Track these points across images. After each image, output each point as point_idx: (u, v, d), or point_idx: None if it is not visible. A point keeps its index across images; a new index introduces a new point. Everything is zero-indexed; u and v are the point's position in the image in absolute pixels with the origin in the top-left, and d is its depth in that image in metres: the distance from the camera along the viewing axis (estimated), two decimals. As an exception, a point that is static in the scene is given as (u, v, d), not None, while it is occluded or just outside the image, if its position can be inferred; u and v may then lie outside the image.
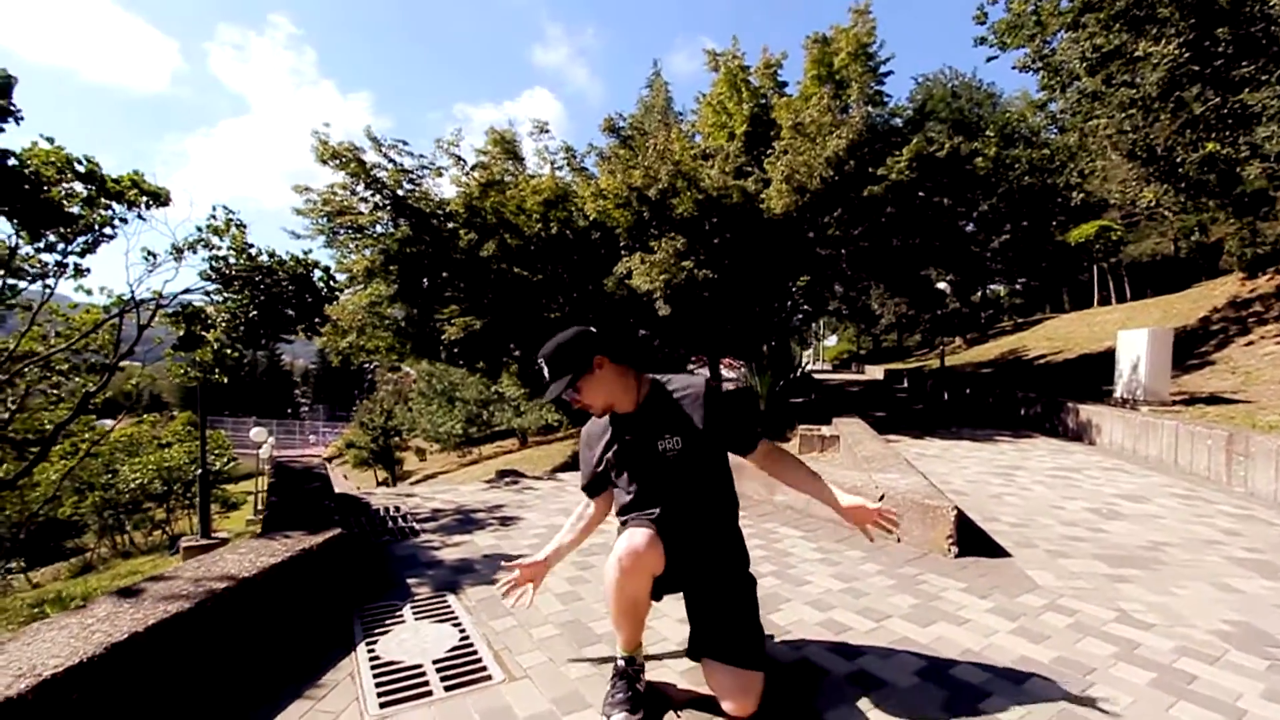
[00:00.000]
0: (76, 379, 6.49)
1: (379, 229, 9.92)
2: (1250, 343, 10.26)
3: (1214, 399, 7.74)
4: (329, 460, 37.26)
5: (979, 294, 31.31)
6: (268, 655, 2.35)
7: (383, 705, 2.06)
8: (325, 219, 9.76)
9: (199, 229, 5.04)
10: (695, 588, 2.03)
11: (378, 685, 2.19)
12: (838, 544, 3.61)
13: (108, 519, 13.20)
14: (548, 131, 10.38)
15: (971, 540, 3.48)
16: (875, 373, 26.16)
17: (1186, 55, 7.59)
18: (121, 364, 6.67)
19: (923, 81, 27.66)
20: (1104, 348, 13.30)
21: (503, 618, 2.71)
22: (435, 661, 2.36)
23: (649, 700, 1.98)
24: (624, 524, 2.07)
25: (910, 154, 10.34)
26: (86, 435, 7.63)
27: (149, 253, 4.90)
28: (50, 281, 4.91)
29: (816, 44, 11.16)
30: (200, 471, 7.03)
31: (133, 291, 4.96)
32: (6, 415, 6.21)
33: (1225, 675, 2.09)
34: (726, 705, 1.86)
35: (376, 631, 2.60)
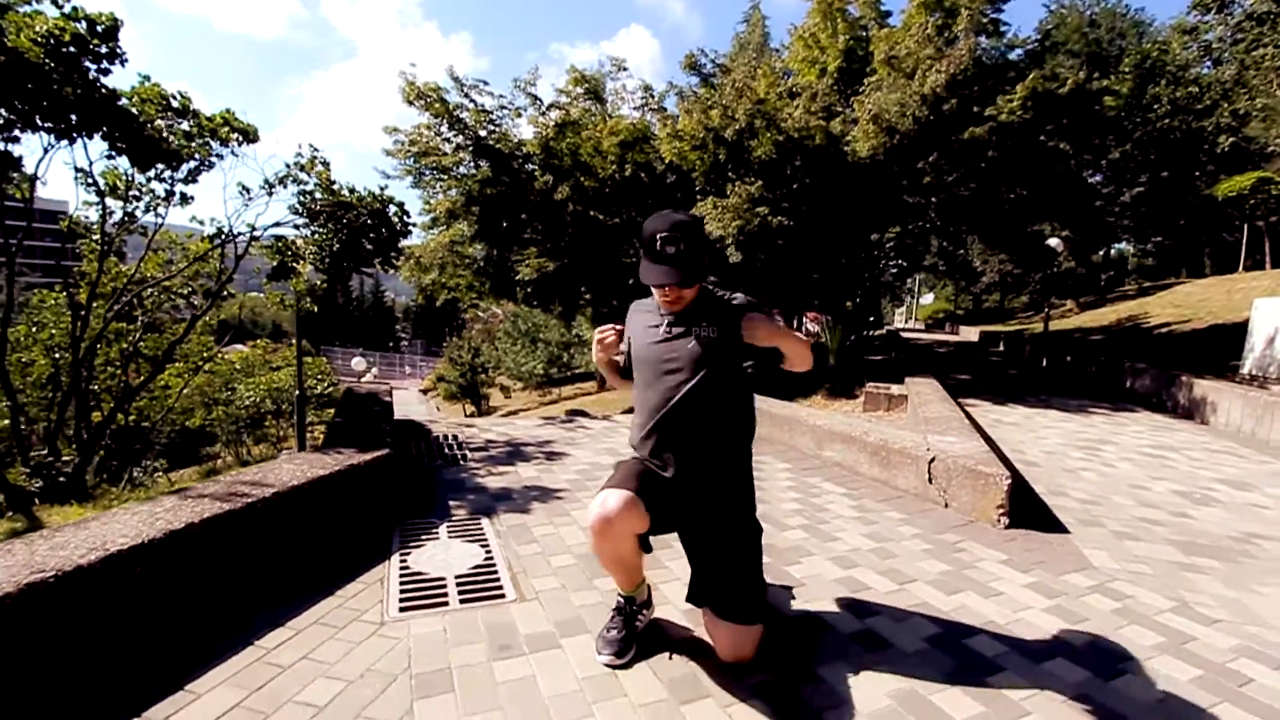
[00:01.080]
0: (195, 300, 7.20)
1: (461, 170, 10.16)
2: None
3: (1370, 382, 6.71)
4: (424, 392, 39.80)
5: (1102, 253, 28.26)
6: (311, 555, 2.58)
7: (402, 609, 2.23)
8: (412, 159, 10.10)
9: (287, 165, 5.38)
10: (698, 531, 1.95)
11: (402, 591, 2.36)
12: (880, 503, 3.48)
13: (231, 431, 14.92)
14: (626, 70, 10.12)
15: (1026, 512, 3.26)
16: (970, 334, 24.55)
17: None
18: (230, 291, 7.32)
19: (1055, 9, 24.44)
20: (1242, 319, 11.75)
21: (528, 544, 2.84)
22: (458, 576, 2.51)
23: (645, 638, 2.02)
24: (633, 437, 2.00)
25: (1025, 91, 9.27)
26: (204, 355, 8.52)
27: (244, 187, 5.30)
28: (161, 210, 5.45)
29: (926, -35, 10.05)
30: (299, 393, 7.72)
31: (230, 224, 5.40)
32: (137, 334, 7.00)
33: (1288, 681, 1.87)
34: (723, 654, 1.89)
35: (412, 545, 2.80)
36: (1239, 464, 4.85)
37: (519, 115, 9.96)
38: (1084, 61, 23.71)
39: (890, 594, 2.39)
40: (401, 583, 2.43)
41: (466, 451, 4.35)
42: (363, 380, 26.72)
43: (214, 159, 5.05)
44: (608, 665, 1.89)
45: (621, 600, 2.02)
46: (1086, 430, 6.00)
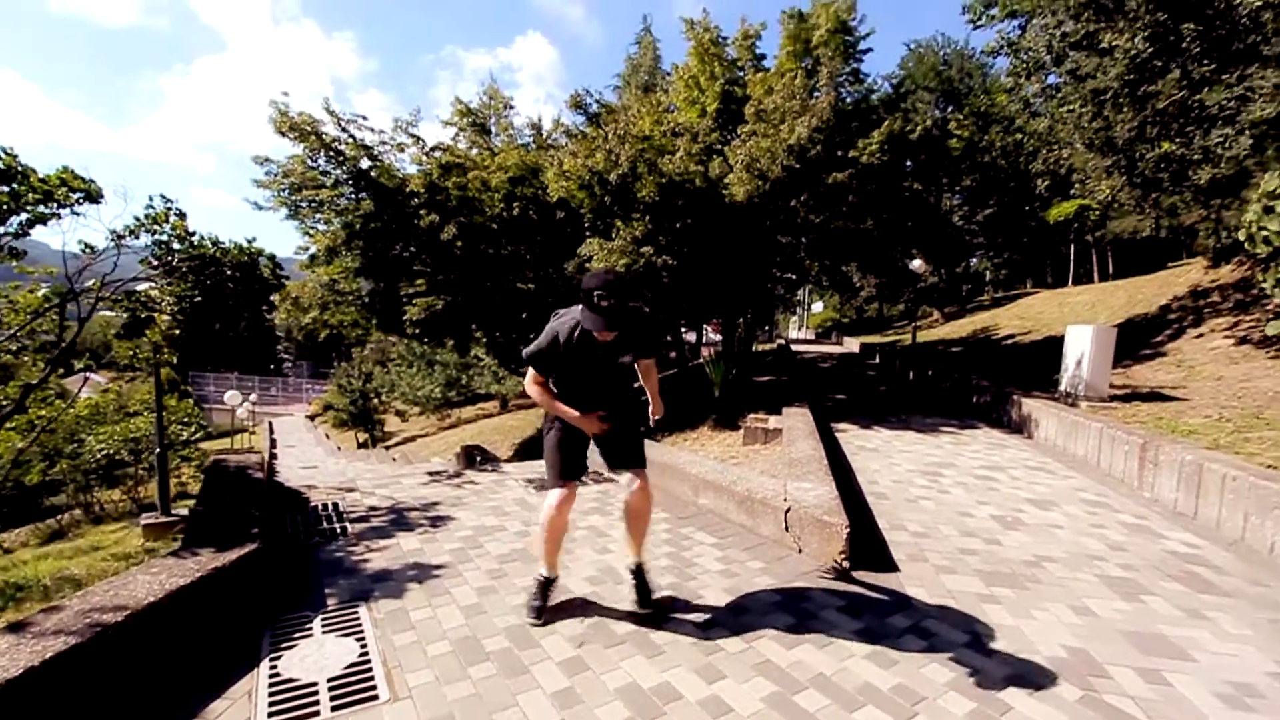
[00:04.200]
0: (25, 359, 6.52)
1: (342, 202, 9.81)
2: (1200, 335, 10.51)
3: (1154, 395, 7.99)
4: (311, 418, 37.37)
5: (962, 267, 31.45)
6: (175, 673, 2.51)
7: (270, 727, 2.25)
8: (287, 191, 9.63)
9: (136, 219, 5.02)
10: (614, 436, 2.97)
11: (270, 705, 2.36)
12: (744, 553, 3.82)
13: (81, 482, 13.38)
14: (513, 108, 10.21)
15: (866, 554, 3.70)
16: (853, 345, 26.46)
17: (1150, 50, 7.57)
18: (75, 364, 6.70)
19: (915, 48, 27.10)
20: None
21: (405, 631, 2.89)
22: (330, 680, 2.53)
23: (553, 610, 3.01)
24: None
25: (882, 136, 10.30)
26: (42, 412, 7.69)
27: (86, 245, 4.89)
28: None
29: (793, 19, 10.95)
30: (159, 451, 7.14)
31: (71, 283, 4.96)
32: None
33: (1038, 707, 2.31)
34: (639, 495, 2.94)
35: (283, 646, 2.77)
36: (1049, 481, 5.67)
37: (402, 150, 9.79)
38: (939, 96, 26.45)
39: (738, 654, 2.68)
40: (270, 695, 2.43)
41: (347, 524, 4.28)
42: (237, 413, 24.72)
43: (47, 215, 4.62)
44: (530, 624, 2.91)
45: (543, 578, 3.01)
46: (934, 453, 6.76)
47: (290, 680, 2.52)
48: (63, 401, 11.56)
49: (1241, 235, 5.37)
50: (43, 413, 7.92)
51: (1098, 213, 21.15)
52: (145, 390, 14.75)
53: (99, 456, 10.56)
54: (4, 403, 6.67)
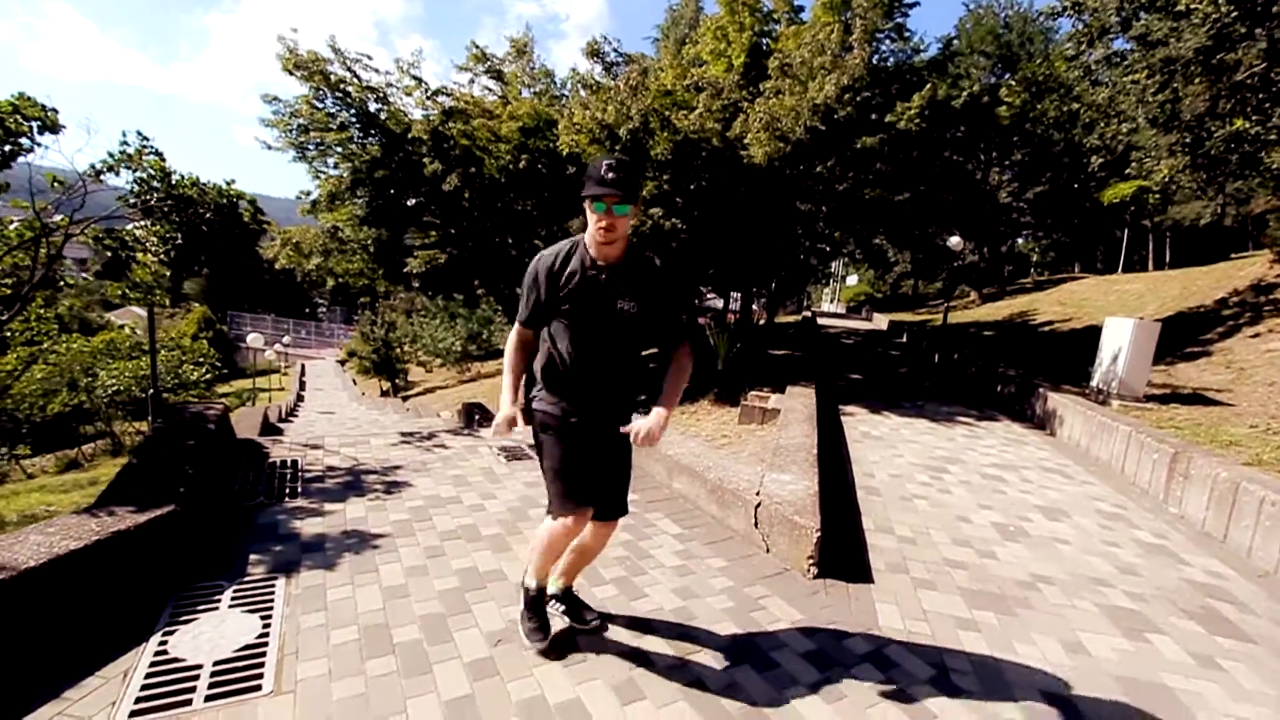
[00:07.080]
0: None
1: (351, 146, 9.50)
2: (1257, 334, 9.67)
3: (1195, 397, 7.37)
4: (341, 363, 38.07)
5: (1006, 247, 29.94)
6: (51, 649, 2.32)
7: (134, 713, 2.04)
8: (294, 132, 9.36)
9: (111, 154, 4.80)
10: (611, 458, 2.30)
11: (143, 688, 2.17)
12: (707, 546, 3.52)
13: (106, 414, 13.77)
14: (526, 54, 9.66)
15: (842, 559, 3.37)
16: (881, 322, 25.57)
17: (1234, 14, 6.68)
18: (68, 279, 6.64)
19: (973, 9, 25.27)
20: (1108, 323, 12.67)
21: (315, 612, 2.68)
22: (218, 662, 2.33)
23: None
24: (546, 376, 2.22)
25: (922, 101, 9.50)
26: (44, 345, 7.74)
27: (56, 180, 4.69)
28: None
29: (833, -34, 10.06)
30: (152, 391, 7.12)
31: (40, 218, 4.78)
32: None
33: (999, 768, 1.98)
34: (601, 544, 2.45)
35: (182, 619, 2.59)
36: (1064, 486, 5.21)
37: (409, 94, 9.37)
38: (996, 62, 24.76)
39: (667, 670, 2.39)
40: (148, 676, 2.23)
41: (299, 485, 4.10)
42: (266, 354, 25.22)
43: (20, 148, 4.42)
44: (538, 649, 2.37)
45: (532, 590, 2.42)
46: (943, 445, 6.31)
47: (175, 660, 2.33)
48: (80, 335, 11.78)
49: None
50: (45, 344, 7.97)
51: (1158, 196, 19.68)
52: (176, 329, 14.94)
53: (109, 391, 10.75)
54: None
